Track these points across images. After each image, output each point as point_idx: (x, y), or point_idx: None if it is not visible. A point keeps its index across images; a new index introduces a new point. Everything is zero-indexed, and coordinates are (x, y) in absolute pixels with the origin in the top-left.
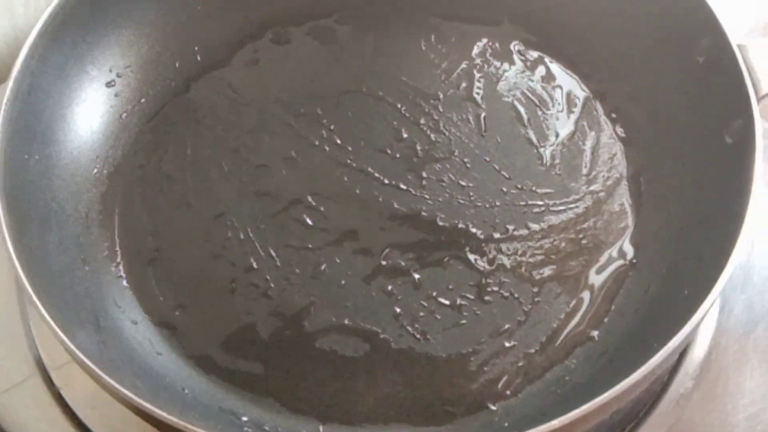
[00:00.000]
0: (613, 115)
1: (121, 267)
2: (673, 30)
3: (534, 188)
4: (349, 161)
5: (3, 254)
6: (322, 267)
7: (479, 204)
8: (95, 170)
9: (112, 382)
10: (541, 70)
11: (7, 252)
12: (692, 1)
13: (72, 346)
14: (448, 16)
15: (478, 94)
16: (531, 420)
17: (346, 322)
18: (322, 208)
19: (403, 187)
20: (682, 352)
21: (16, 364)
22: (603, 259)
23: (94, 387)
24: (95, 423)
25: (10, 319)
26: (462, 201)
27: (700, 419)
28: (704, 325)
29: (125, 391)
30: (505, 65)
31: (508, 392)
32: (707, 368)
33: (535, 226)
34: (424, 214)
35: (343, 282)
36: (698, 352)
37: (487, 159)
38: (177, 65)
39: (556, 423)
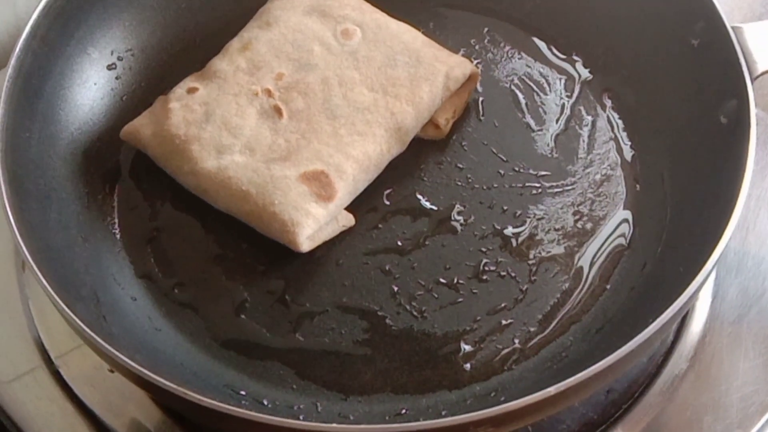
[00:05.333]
0: (609, 100)
1: (120, 245)
2: (669, 14)
3: (531, 171)
4: None
5: (5, 244)
6: (320, 246)
7: (476, 186)
8: (95, 150)
9: (113, 351)
10: (537, 56)
11: (10, 227)
12: None
13: (74, 317)
14: (447, 4)
15: None
16: (527, 394)
17: (344, 300)
18: None
19: (401, 168)
20: (677, 334)
21: (22, 354)
22: (599, 239)
23: (96, 369)
24: (98, 405)
25: (14, 311)
26: (459, 183)
27: (694, 399)
28: (699, 307)
29: (127, 360)
30: (503, 52)
31: (504, 368)
32: (702, 350)
33: (532, 207)
34: (420, 195)
35: (341, 261)
36: (693, 334)
37: (485, 142)
38: (177, 49)
39: (552, 390)
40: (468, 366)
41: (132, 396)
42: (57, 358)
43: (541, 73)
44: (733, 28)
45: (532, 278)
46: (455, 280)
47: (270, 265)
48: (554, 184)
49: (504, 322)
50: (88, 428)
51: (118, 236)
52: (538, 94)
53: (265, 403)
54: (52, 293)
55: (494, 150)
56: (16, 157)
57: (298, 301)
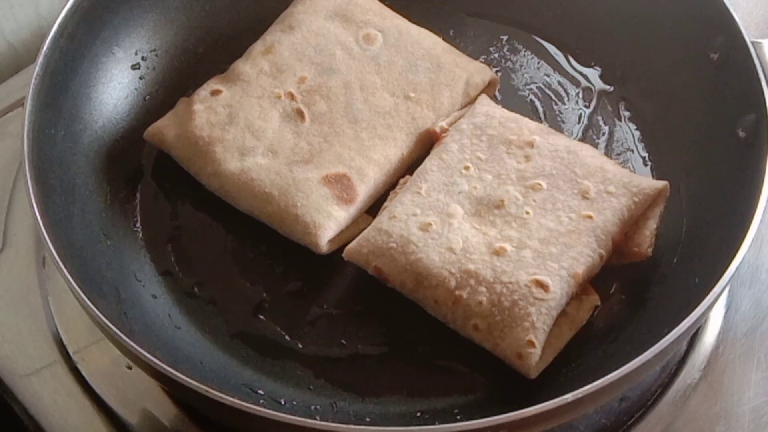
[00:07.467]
0: (627, 111)
1: (141, 243)
2: (688, 27)
3: None
4: None
5: (26, 240)
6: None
7: None
8: (118, 149)
9: (136, 347)
10: (556, 65)
11: (35, 221)
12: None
13: (97, 312)
14: (468, 12)
15: None
16: (541, 401)
17: (362, 302)
18: None
19: None
20: (690, 344)
21: (40, 349)
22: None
23: (113, 364)
24: (114, 400)
25: (34, 306)
26: None
27: (706, 409)
28: (712, 319)
29: (149, 357)
30: (522, 60)
31: (518, 374)
32: (714, 361)
33: None
34: None
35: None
36: (706, 345)
37: None
38: (200, 51)
39: (569, 397)
40: (485, 370)
41: (148, 391)
42: (75, 354)
43: (559, 83)
44: (753, 43)
45: None
46: None
47: (289, 266)
48: None
49: None
50: (104, 423)
51: (139, 234)
52: (556, 103)
53: (283, 402)
54: (77, 288)
55: None
56: (41, 153)
57: (316, 303)
